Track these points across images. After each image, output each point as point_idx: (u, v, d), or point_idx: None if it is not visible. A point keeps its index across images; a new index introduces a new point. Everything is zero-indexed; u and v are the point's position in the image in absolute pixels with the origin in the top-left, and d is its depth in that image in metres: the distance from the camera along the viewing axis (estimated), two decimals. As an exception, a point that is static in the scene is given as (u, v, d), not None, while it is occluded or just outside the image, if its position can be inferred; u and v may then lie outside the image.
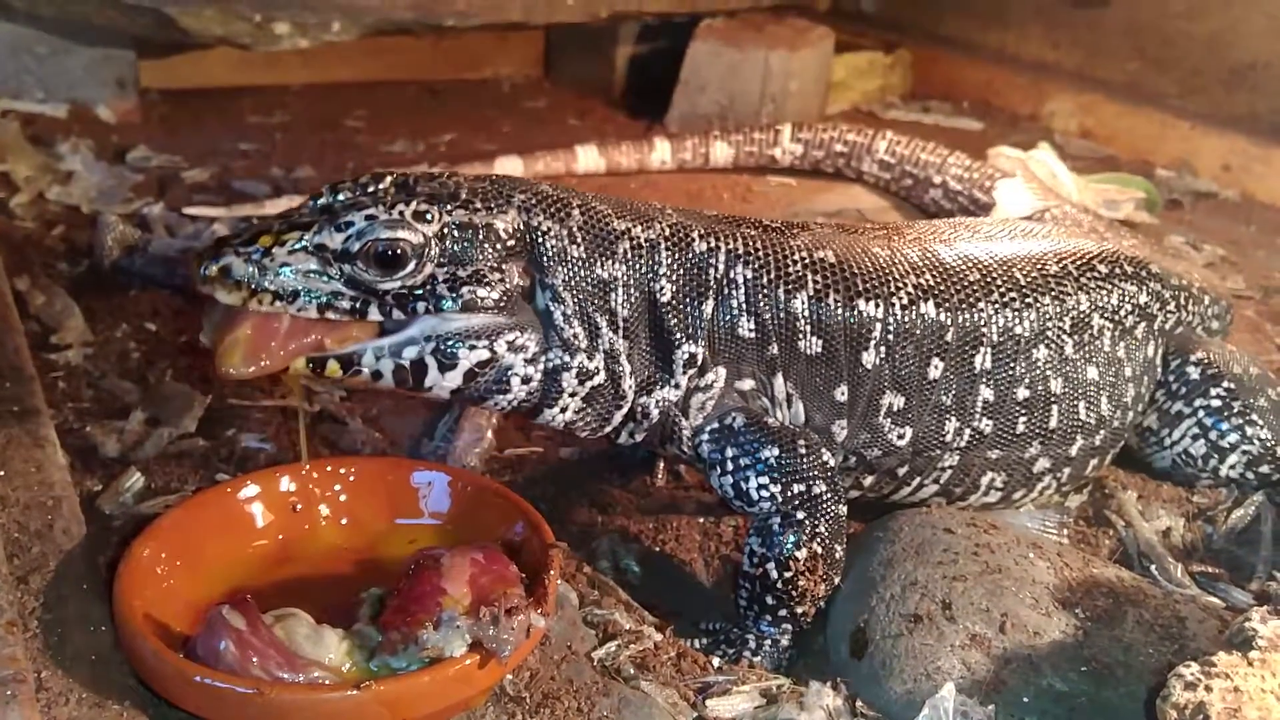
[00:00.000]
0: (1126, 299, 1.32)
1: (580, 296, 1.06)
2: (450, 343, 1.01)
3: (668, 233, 1.11)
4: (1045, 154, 2.25)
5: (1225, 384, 1.36)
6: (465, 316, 1.01)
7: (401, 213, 0.99)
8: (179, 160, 2.31)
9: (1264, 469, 1.37)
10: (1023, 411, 1.23)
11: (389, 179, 1.04)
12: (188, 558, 1.02)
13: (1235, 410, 1.36)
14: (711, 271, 1.12)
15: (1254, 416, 1.36)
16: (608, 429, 1.11)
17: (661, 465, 1.39)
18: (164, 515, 1.05)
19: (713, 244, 1.13)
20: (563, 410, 1.08)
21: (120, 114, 2.51)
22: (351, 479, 1.13)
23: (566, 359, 1.05)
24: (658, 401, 1.11)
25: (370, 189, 1.03)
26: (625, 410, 1.10)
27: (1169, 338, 1.39)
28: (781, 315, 1.13)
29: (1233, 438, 1.36)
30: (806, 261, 1.15)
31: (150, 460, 1.30)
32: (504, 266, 1.03)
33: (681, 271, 1.11)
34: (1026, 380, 1.22)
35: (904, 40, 3.22)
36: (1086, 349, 1.27)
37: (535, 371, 1.05)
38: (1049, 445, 1.26)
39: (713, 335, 1.11)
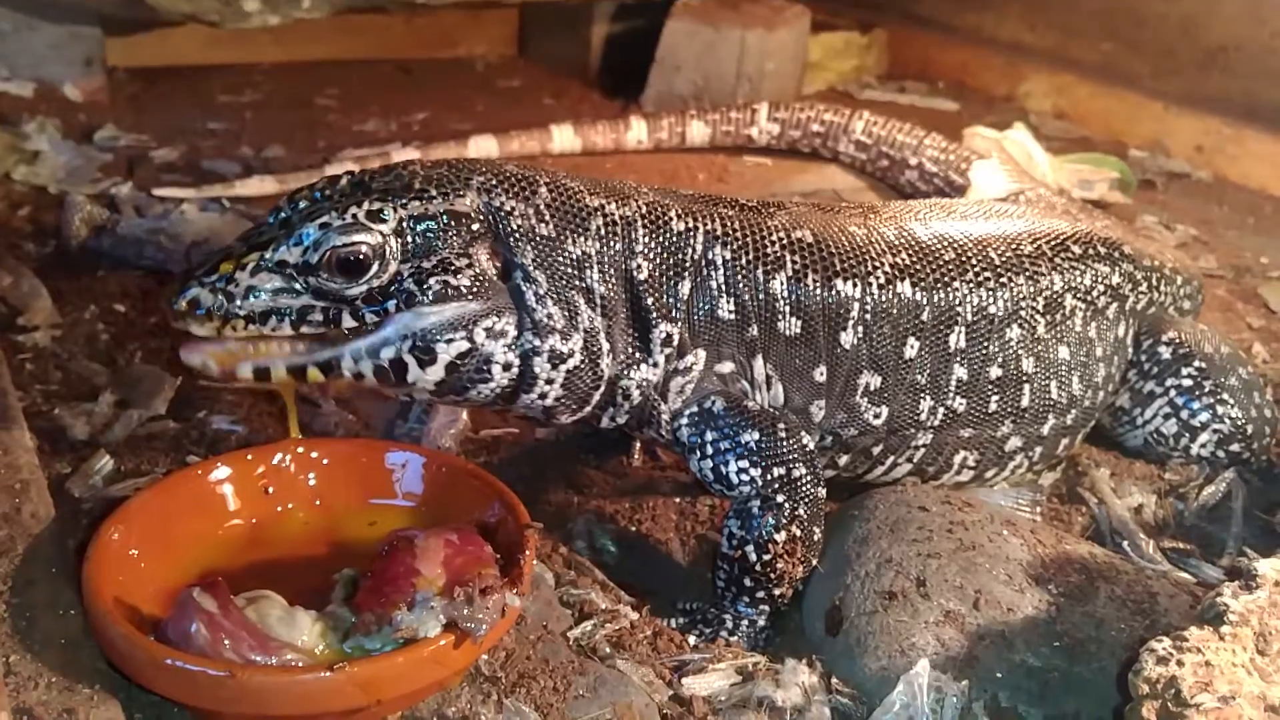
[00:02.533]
0: (1099, 279, 1.32)
1: (554, 275, 1.05)
2: (425, 338, 1.00)
3: (644, 211, 1.11)
4: (1020, 134, 2.25)
5: (1196, 363, 1.37)
6: (438, 309, 1.00)
7: (355, 215, 0.98)
8: (147, 140, 2.28)
9: (1235, 447, 1.38)
10: (995, 390, 1.23)
11: (345, 179, 1.03)
12: (158, 540, 1.01)
13: (1206, 389, 1.37)
14: (689, 252, 1.11)
15: (1225, 395, 1.37)
16: (587, 410, 1.10)
17: (638, 445, 1.39)
18: (134, 498, 1.04)
19: (691, 224, 1.12)
20: (541, 396, 1.06)
21: (87, 93, 2.47)
22: (325, 461, 1.12)
23: (537, 343, 1.04)
24: (639, 383, 1.10)
25: (327, 193, 1.02)
26: (603, 391, 1.09)
27: (1141, 318, 1.40)
28: (761, 296, 1.13)
29: (1204, 416, 1.37)
30: (784, 242, 1.15)
31: (120, 443, 1.28)
32: (470, 251, 1.01)
33: (659, 250, 1.10)
34: (1000, 359, 1.23)
35: (880, 20, 3.22)
36: (1059, 329, 1.27)
37: (514, 357, 1.03)
38: (1021, 424, 1.27)
39: (691, 317, 1.11)
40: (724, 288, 1.12)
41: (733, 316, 1.12)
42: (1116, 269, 1.35)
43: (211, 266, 0.98)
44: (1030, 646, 1.01)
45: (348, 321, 0.99)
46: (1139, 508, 1.34)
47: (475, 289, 1.01)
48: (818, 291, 1.14)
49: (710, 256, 1.12)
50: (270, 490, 1.10)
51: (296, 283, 0.97)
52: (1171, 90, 2.70)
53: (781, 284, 1.13)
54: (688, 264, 1.11)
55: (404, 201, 1.00)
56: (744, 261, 1.12)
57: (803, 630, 1.11)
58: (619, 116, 2.42)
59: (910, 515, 1.13)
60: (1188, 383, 1.37)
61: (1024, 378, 1.25)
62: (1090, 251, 1.33)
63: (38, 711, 0.85)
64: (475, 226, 1.02)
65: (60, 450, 1.26)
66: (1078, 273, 1.30)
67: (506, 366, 1.03)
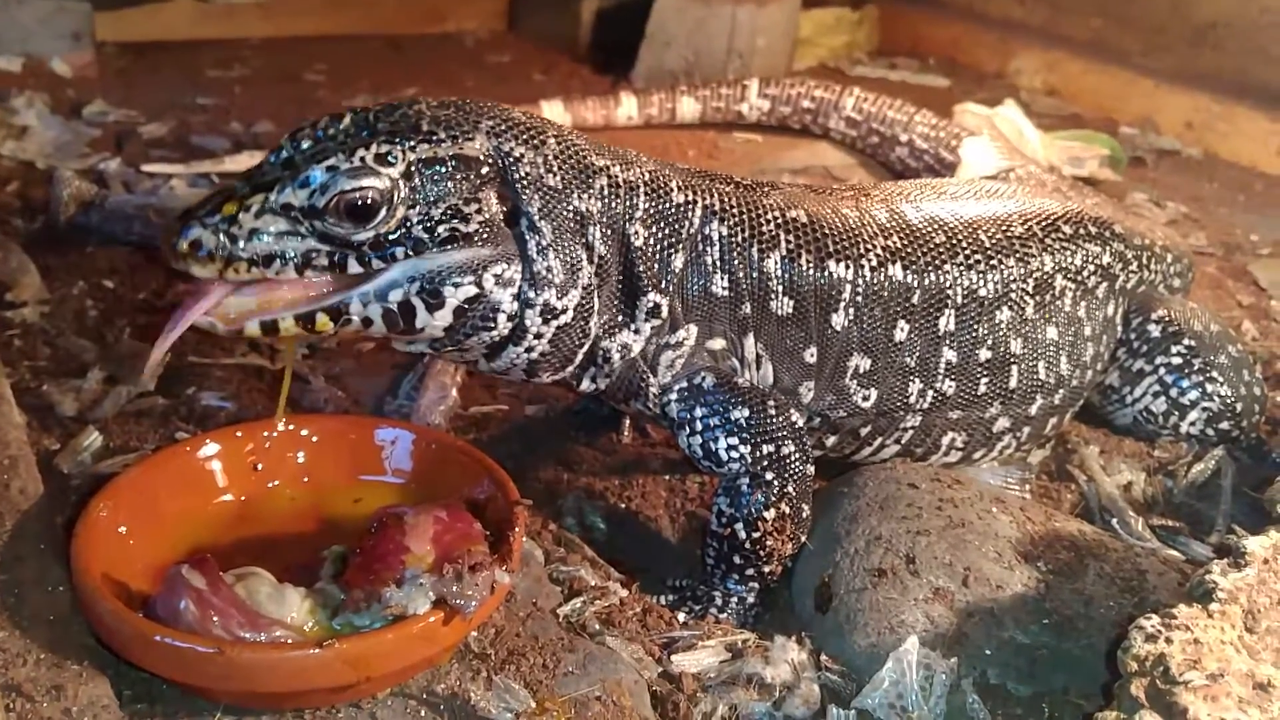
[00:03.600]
0: (1090, 259, 1.32)
1: (557, 228, 1.02)
2: (434, 280, 0.97)
3: (647, 178, 1.09)
4: (1011, 111, 2.25)
5: (1186, 341, 1.37)
6: (446, 254, 0.97)
7: (363, 159, 0.95)
8: (136, 115, 2.27)
9: (1224, 425, 1.39)
10: (984, 372, 1.23)
11: (348, 118, 1.00)
12: (147, 517, 1.00)
13: (1195, 368, 1.37)
14: (686, 225, 1.10)
15: (1214, 374, 1.37)
16: (569, 370, 1.08)
17: (627, 422, 1.39)
18: (123, 474, 1.03)
19: (690, 197, 1.11)
20: (527, 350, 1.04)
21: (76, 68, 2.46)
22: (314, 438, 1.11)
23: (532, 295, 1.01)
24: (620, 347, 1.09)
25: (330, 131, 0.99)
26: (586, 349, 1.07)
27: (1131, 296, 1.40)
28: (756, 274, 1.12)
29: (1193, 395, 1.37)
30: (780, 221, 1.15)
31: (109, 419, 1.28)
32: (479, 196, 0.99)
33: (657, 219, 1.09)
34: (989, 342, 1.23)
35: (871, -4, 3.21)
36: (1048, 309, 1.27)
37: (516, 306, 1.01)
38: (1009, 405, 1.27)
39: (685, 291, 1.10)
40: (719, 263, 1.11)
41: (726, 293, 1.12)
42: (1107, 248, 1.35)
43: (214, 207, 0.94)
44: (1019, 624, 1.01)
45: (353, 267, 0.96)
46: (1128, 485, 1.34)
47: (484, 235, 0.98)
48: (811, 272, 1.14)
49: (707, 231, 1.11)
50: (259, 467, 1.09)
51: (301, 226, 0.94)
52: (1162, 67, 2.69)
53: (776, 263, 1.13)
54: (684, 237, 1.10)
55: (412, 144, 0.97)
56: (740, 238, 1.12)
57: (792, 607, 1.11)
58: (609, 92, 2.41)
59: (899, 492, 1.13)
60: (1177, 361, 1.37)
61: (1012, 359, 1.25)
62: (1081, 231, 1.33)
63: (26, 688, 0.85)
64: (484, 170, 0.99)
65: (49, 426, 1.26)
66: (1068, 253, 1.30)
67: (511, 316, 1.01)
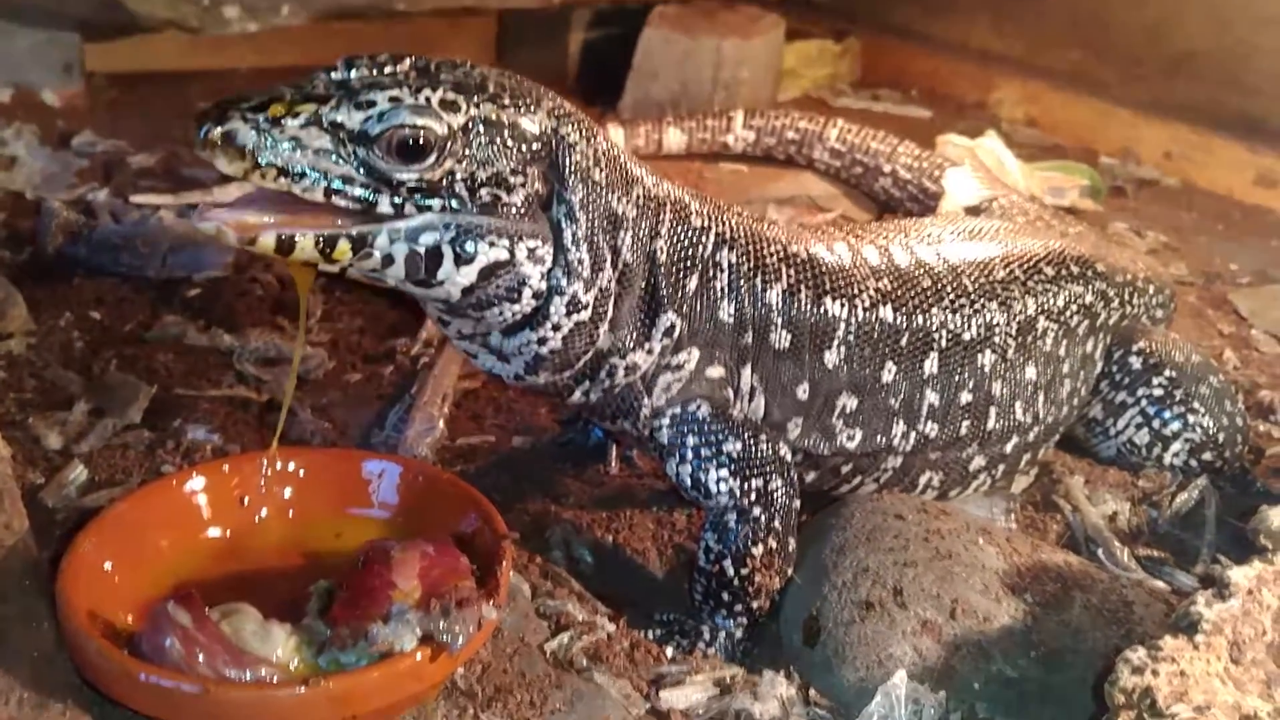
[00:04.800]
0: (1073, 299, 1.34)
1: (594, 222, 1.01)
2: (471, 233, 0.94)
3: (673, 197, 1.10)
4: (992, 142, 2.26)
5: (1167, 373, 1.38)
6: (482, 215, 0.95)
7: (429, 99, 0.92)
8: (125, 145, 2.26)
9: (1207, 456, 1.39)
10: (966, 415, 1.24)
11: (407, 60, 0.97)
12: (132, 552, 1.00)
13: (1177, 399, 1.38)
14: (701, 249, 1.10)
15: (1195, 404, 1.38)
16: (568, 374, 1.06)
17: (614, 451, 1.39)
18: (108, 509, 1.03)
19: (705, 223, 1.11)
20: (540, 341, 1.02)
21: (65, 98, 2.45)
22: (300, 472, 1.11)
23: (564, 283, 0.99)
24: (628, 365, 1.07)
25: (388, 69, 0.96)
26: (589, 359, 1.05)
27: (1113, 331, 1.41)
28: (760, 305, 1.12)
29: (1175, 426, 1.38)
30: (781, 255, 1.15)
31: (94, 452, 1.27)
32: (527, 170, 0.97)
33: (678, 239, 1.09)
34: (970, 384, 1.24)
35: (854, 28, 3.23)
36: (1028, 350, 1.28)
37: (543, 288, 0.99)
38: (986, 445, 1.28)
39: (692, 315, 1.10)
40: (726, 290, 1.11)
41: (731, 320, 1.12)
42: (1090, 288, 1.37)
43: (259, 104, 0.89)
44: (1007, 657, 1.01)
45: (384, 206, 0.92)
46: (1113, 515, 1.35)
47: (524, 210, 0.97)
48: (808, 308, 1.15)
49: (718, 258, 1.11)
50: (245, 501, 1.09)
51: (344, 149, 0.90)
52: (1140, 98, 2.72)
53: (777, 296, 1.13)
54: (698, 260, 1.10)
55: (478, 100, 0.94)
56: (746, 268, 1.12)
57: (780, 641, 1.11)
58: (596, 123, 2.42)
59: (886, 524, 1.13)
60: (1158, 392, 1.38)
61: (992, 401, 1.26)
62: (1063, 272, 1.34)
63: (10, 727, 0.84)
64: (536, 147, 0.97)
65: (34, 460, 1.25)
66: (1051, 294, 1.31)
67: (536, 294, 0.99)
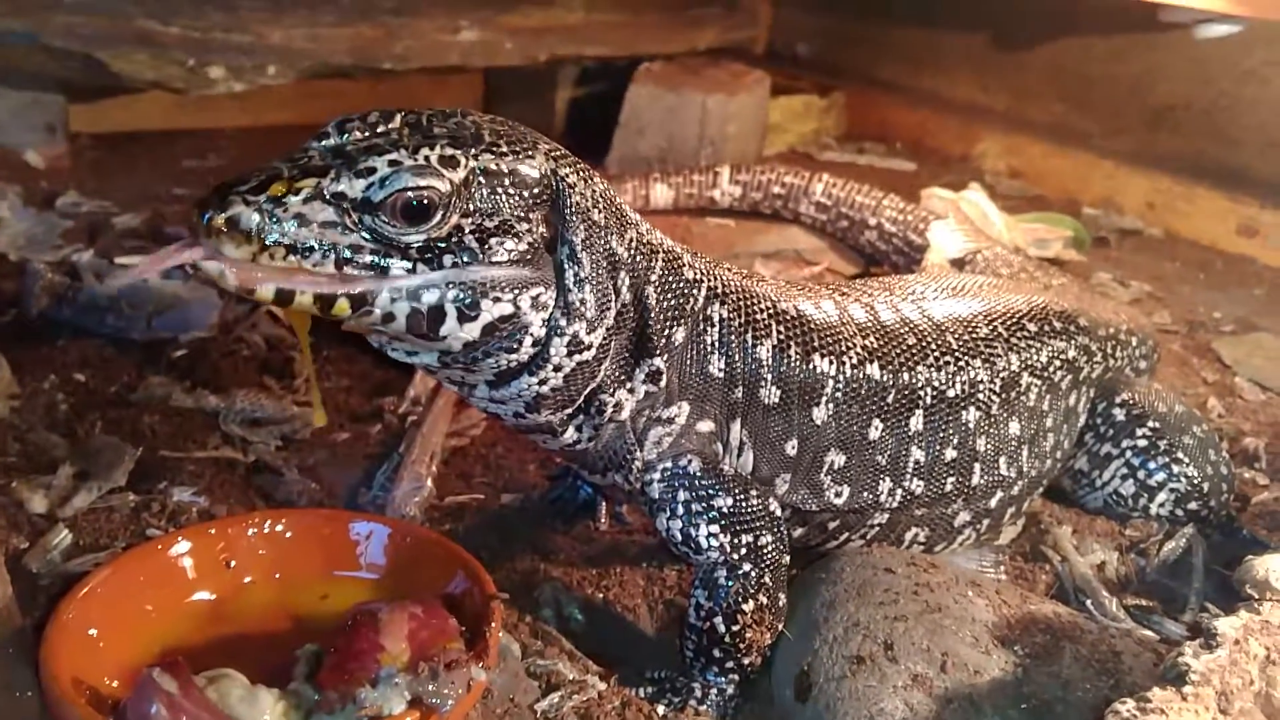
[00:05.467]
0: (1056, 355, 1.35)
1: (595, 263, 1.01)
2: (475, 291, 0.93)
3: (666, 246, 1.11)
4: (976, 194, 2.29)
5: (1150, 423, 1.39)
6: (492, 268, 0.94)
7: (427, 158, 0.91)
8: (110, 206, 2.27)
9: (1192, 505, 1.40)
10: (951, 471, 1.25)
11: (398, 117, 0.96)
12: (118, 618, 1.00)
13: (1161, 449, 1.39)
14: (692, 302, 1.11)
15: (1180, 454, 1.39)
16: (569, 410, 1.05)
17: (604, 508, 1.39)
18: (93, 574, 1.03)
19: (697, 276, 1.12)
20: (541, 383, 1.01)
21: (49, 159, 2.47)
22: (287, 534, 1.11)
23: (564, 324, 0.99)
24: (615, 403, 1.07)
25: (380, 129, 0.95)
26: (588, 393, 1.05)
27: (1097, 385, 1.42)
28: (750, 361, 1.13)
29: (1160, 476, 1.39)
30: (771, 311, 1.16)
31: (79, 516, 1.26)
32: (530, 216, 0.96)
33: (669, 289, 1.09)
34: (955, 441, 1.24)
35: (838, 83, 3.27)
36: (1012, 405, 1.29)
37: (543, 333, 0.98)
38: (971, 500, 1.28)
39: (682, 367, 1.10)
40: (718, 345, 1.12)
41: (721, 375, 1.12)
42: (1073, 342, 1.38)
43: (259, 185, 0.89)
44: (998, 709, 1.01)
45: (396, 270, 0.91)
46: (1101, 564, 1.35)
47: (530, 255, 0.96)
48: (798, 364, 1.15)
49: (709, 312, 1.12)
50: (232, 564, 1.09)
51: (349, 218, 0.90)
52: (1122, 149, 2.76)
53: (767, 351, 1.14)
54: (688, 312, 1.10)
55: (475, 152, 0.94)
56: (738, 323, 1.13)
57: (772, 697, 1.11)
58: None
59: (876, 577, 1.13)
60: (1143, 443, 1.39)
61: (976, 457, 1.26)
62: (1046, 328, 1.35)
63: (-8, 799, 0.83)
64: (537, 191, 0.97)
65: (18, 524, 1.24)
66: (1034, 350, 1.32)
67: (536, 342, 0.98)
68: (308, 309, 0.91)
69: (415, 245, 0.92)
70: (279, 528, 1.11)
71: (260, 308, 1.79)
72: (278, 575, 1.10)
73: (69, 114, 2.53)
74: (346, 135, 0.95)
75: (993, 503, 1.30)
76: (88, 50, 2.20)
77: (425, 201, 0.91)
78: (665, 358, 1.08)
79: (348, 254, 0.90)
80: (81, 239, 2.10)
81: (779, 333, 1.15)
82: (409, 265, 0.92)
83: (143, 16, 2.29)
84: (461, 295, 0.94)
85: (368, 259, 0.91)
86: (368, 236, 0.91)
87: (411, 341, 0.97)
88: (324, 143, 0.95)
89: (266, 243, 0.88)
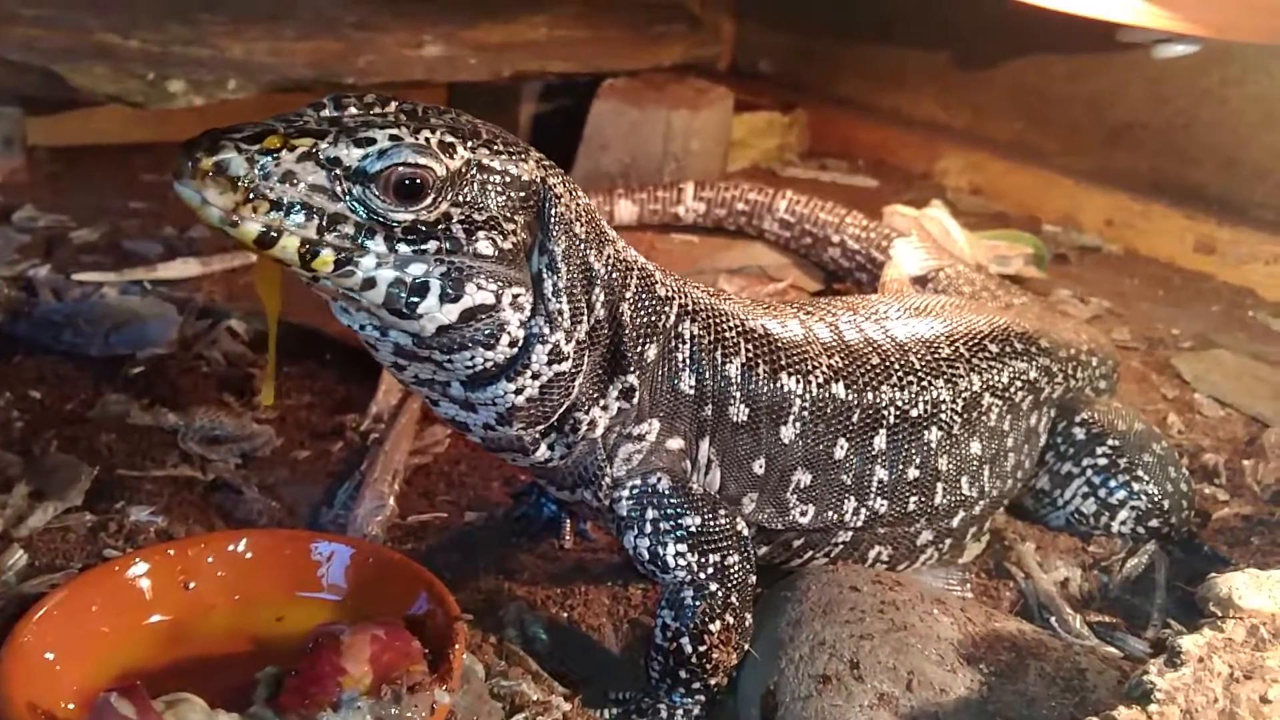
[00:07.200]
0: (1017, 375, 1.36)
1: (573, 275, 1.01)
2: (462, 272, 0.92)
3: (640, 264, 1.11)
4: (938, 211, 2.30)
5: (1110, 442, 1.41)
6: (475, 259, 0.93)
7: (428, 139, 0.91)
8: (67, 220, 2.24)
9: (1153, 523, 1.41)
10: (913, 491, 1.25)
11: (393, 104, 0.95)
12: (74, 640, 0.98)
13: (1121, 467, 1.40)
14: (664, 319, 1.11)
15: (1140, 472, 1.40)
16: (542, 427, 1.04)
17: (569, 525, 1.38)
18: (49, 596, 1.01)
19: (669, 293, 1.12)
20: (518, 391, 1.00)
21: (6, 172, 2.43)
22: (248, 555, 1.09)
23: (546, 331, 0.99)
24: (588, 421, 1.06)
25: (376, 110, 0.94)
26: (563, 410, 1.04)
27: (1057, 405, 1.43)
28: (719, 378, 1.13)
29: (1121, 494, 1.40)
30: (740, 329, 1.16)
31: (34, 536, 1.24)
32: (516, 218, 0.96)
33: (642, 305, 1.09)
34: (918, 460, 1.25)
35: (801, 100, 3.29)
36: (973, 426, 1.30)
37: (521, 335, 0.98)
38: (933, 520, 1.29)
39: (654, 384, 1.10)
40: (688, 362, 1.12)
41: (692, 392, 1.12)
42: (1033, 363, 1.39)
43: (254, 135, 0.87)
44: (963, 728, 1.01)
45: (377, 246, 0.90)
46: (1065, 581, 1.35)
47: (513, 256, 0.96)
48: (765, 382, 1.15)
49: (680, 330, 1.12)
50: (191, 585, 1.07)
51: (339, 186, 0.88)
52: (1081, 167, 2.79)
53: (736, 369, 1.14)
54: (660, 330, 1.10)
55: (473, 145, 0.94)
56: (707, 341, 1.13)
57: (738, 717, 1.10)
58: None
59: (842, 596, 1.13)
60: (1103, 461, 1.40)
61: (939, 476, 1.27)
62: (1007, 349, 1.36)
63: (-59, 829, 0.81)
64: (525, 195, 0.97)
65: (-30, 546, 1.22)
66: (995, 371, 1.33)
67: (513, 343, 0.97)
68: (290, 258, 0.89)
69: (401, 225, 0.91)
70: (239, 548, 1.09)
71: (220, 324, 1.77)
72: (237, 597, 1.08)
73: (26, 127, 2.50)
74: (344, 108, 0.94)
75: (955, 522, 1.31)
76: (45, 63, 2.17)
77: (420, 181, 0.90)
78: (638, 374, 1.08)
79: (330, 221, 0.89)
80: (38, 254, 2.07)
81: (747, 350, 1.15)
82: (389, 245, 0.90)
83: (102, 30, 2.26)
84: (450, 271, 0.92)
85: (351, 230, 0.89)
86: (355, 208, 0.89)
87: (383, 318, 0.95)
88: (321, 112, 0.94)
89: (251, 195, 0.86)
